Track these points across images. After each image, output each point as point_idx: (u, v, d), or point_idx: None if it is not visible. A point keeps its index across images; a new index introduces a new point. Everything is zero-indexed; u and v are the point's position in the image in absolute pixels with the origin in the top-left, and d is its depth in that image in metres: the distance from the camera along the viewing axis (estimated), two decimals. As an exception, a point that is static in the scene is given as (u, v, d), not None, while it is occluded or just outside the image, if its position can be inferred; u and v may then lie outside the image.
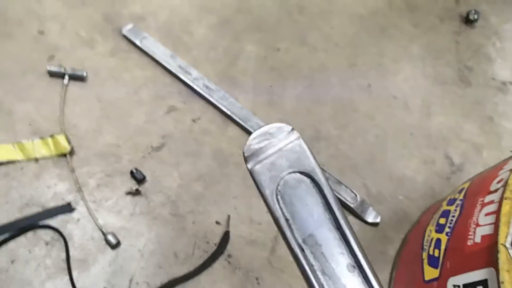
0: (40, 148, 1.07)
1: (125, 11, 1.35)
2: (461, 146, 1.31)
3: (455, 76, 1.44)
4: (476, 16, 1.53)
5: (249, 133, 1.18)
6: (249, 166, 0.41)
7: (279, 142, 0.41)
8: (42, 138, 1.08)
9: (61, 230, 1.00)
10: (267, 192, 0.40)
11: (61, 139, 1.07)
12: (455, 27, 1.54)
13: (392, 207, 1.18)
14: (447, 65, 1.46)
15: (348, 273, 0.39)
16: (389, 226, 1.15)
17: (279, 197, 0.40)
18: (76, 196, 1.04)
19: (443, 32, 1.52)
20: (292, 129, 0.41)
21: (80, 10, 1.32)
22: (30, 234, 0.99)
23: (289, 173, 0.40)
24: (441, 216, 0.95)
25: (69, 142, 1.08)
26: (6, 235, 0.97)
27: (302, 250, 0.39)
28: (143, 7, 1.36)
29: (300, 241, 0.39)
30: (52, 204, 1.03)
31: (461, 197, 0.92)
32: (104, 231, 1.00)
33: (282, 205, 0.40)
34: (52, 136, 1.08)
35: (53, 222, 1.01)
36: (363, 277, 0.38)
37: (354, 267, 0.39)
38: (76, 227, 1.01)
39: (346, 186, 1.14)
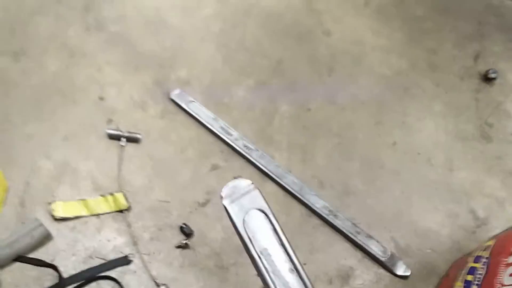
0: (101, 205, 1.20)
1: (172, 75, 1.51)
2: (484, 200, 1.38)
3: (476, 132, 1.53)
4: (495, 75, 1.63)
5: (284, 189, 1.30)
6: (225, 203, 0.63)
7: (243, 190, 0.64)
8: (103, 195, 1.22)
9: (120, 280, 1.12)
10: (237, 221, 0.62)
11: (120, 197, 1.21)
12: (474, 85, 1.64)
13: (420, 260, 1.25)
14: (468, 122, 1.55)
15: (289, 274, 0.60)
16: (418, 278, 1.22)
17: (245, 224, 0.62)
18: (133, 249, 1.17)
19: (463, 90, 1.63)
20: (252, 183, 0.64)
21: (134, 76, 1.48)
22: (93, 284, 1.11)
23: (250, 209, 0.63)
24: (469, 273, 1.02)
25: (126, 199, 1.21)
26: (74, 285, 1.09)
27: (260, 258, 0.61)
28: (188, 72, 1.52)
29: (258, 252, 0.61)
30: (112, 256, 1.15)
31: (487, 255, 0.99)
32: (158, 282, 1.12)
33: (247, 229, 0.62)
34: (112, 194, 1.22)
35: (113, 273, 1.13)
36: (299, 276, 0.60)
37: (293, 270, 0.61)
38: (133, 278, 1.13)
39: (377, 241, 1.22)
